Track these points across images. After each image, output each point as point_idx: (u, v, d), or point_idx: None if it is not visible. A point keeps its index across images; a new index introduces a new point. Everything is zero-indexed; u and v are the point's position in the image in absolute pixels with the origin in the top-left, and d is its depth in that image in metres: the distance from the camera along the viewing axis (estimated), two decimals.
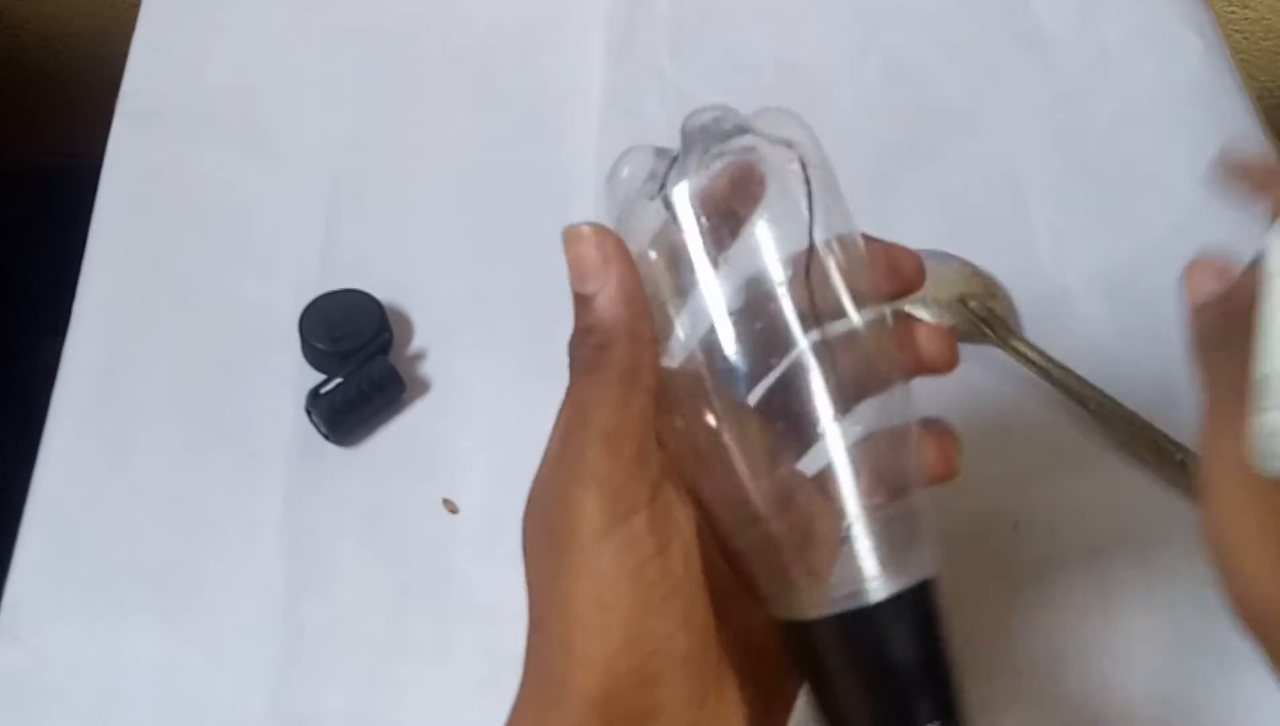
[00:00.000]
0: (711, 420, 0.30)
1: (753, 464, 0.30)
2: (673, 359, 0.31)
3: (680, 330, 0.31)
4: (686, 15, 0.71)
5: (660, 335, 0.30)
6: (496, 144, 0.64)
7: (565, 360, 0.58)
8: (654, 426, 0.29)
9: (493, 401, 0.55)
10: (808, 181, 0.31)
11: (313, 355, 0.55)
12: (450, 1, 0.70)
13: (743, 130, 0.31)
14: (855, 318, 0.30)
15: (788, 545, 0.29)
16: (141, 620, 0.49)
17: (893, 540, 0.29)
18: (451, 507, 0.52)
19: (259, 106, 0.65)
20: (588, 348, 0.30)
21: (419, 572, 0.51)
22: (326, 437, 0.53)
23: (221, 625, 0.49)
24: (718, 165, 0.31)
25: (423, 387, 0.55)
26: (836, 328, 0.30)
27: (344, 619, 0.49)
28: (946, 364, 0.32)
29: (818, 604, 0.29)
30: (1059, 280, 0.60)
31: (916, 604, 0.29)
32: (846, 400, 0.30)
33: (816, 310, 0.30)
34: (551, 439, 0.31)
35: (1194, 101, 0.68)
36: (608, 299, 0.30)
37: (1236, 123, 0.66)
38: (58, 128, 1.11)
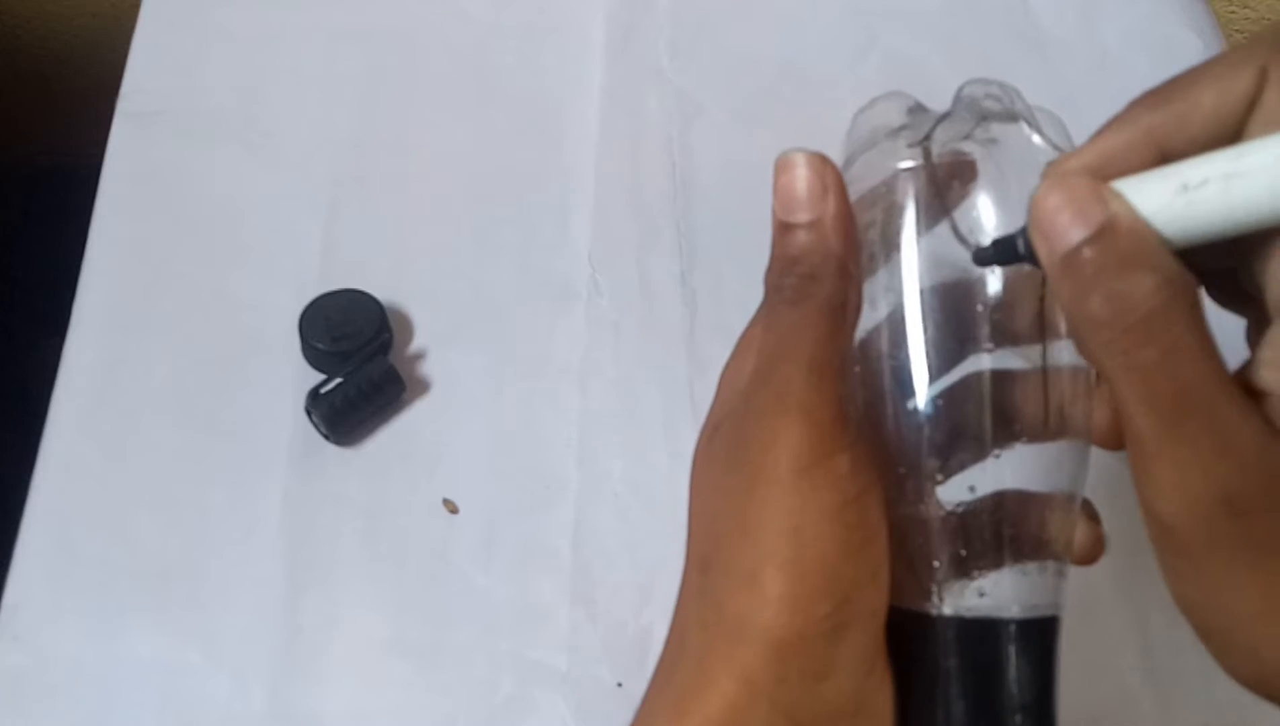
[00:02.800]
0: (874, 406, 0.28)
1: (915, 458, 0.28)
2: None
3: (869, 300, 0.29)
4: (686, 15, 0.71)
5: None
6: (496, 144, 0.64)
7: (563, 360, 0.58)
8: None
9: (493, 401, 0.55)
10: None
11: (313, 355, 0.55)
12: (450, 1, 0.70)
13: (1013, 117, 0.30)
14: (1071, 353, 0.29)
15: (936, 535, 0.28)
16: (141, 620, 0.49)
17: (1042, 571, 0.28)
18: (451, 507, 0.52)
19: (259, 106, 0.65)
20: (794, 276, 0.28)
21: (419, 572, 0.51)
22: (326, 438, 0.53)
23: (221, 625, 0.49)
24: (956, 144, 0.29)
25: (423, 388, 0.55)
26: (1057, 355, 0.29)
27: (344, 619, 0.49)
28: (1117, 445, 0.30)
29: (951, 602, 0.28)
30: None
31: (1043, 635, 0.28)
32: (1032, 432, 0.28)
33: (1045, 324, 0.28)
34: (737, 363, 0.29)
35: None
36: (823, 228, 0.28)
37: None
38: (58, 128, 1.11)
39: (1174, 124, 0.26)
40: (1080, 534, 0.30)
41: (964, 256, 0.29)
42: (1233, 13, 1.10)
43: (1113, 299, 0.24)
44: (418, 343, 0.57)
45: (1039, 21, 0.72)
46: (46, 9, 1.11)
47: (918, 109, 0.31)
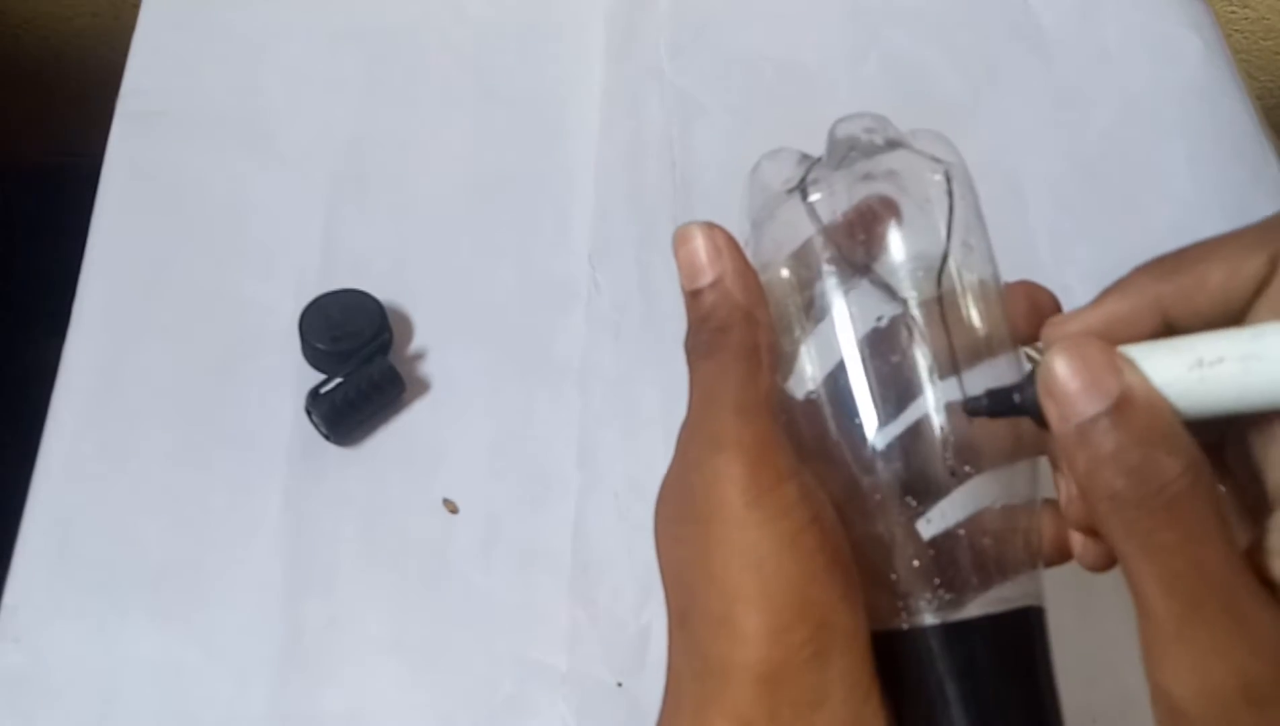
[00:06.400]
0: (831, 458, 0.29)
1: (867, 501, 0.29)
2: (798, 388, 0.30)
3: (806, 357, 0.30)
4: (686, 15, 0.71)
5: (785, 360, 0.30)
6: (496, 144, 0.64)
7: (563, 360, 0.58)
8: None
9: (493, 401, 0.55)
10: (950, 196, 0.30)
11: (313, 355, 0.55)
12: (450, 1, 0.70)
13: (894, 145, 0.31)
14: (1003, 370, 0.29)
15: (897, 550, 0.29)
16: (141, 620, 0.49)
17: (1001, 565, 0.29)
18: (451, 507, 0.52)
19: (259, 106, 0.65)
20: (705, 332, 0.29)
21: (419, 572, 0.51)
22: (326, 437, 0.53)
23: (221, 625, 0.49)
24: (860, 186, 0.30)
25: (423, 387, 0.55)
26: (973, 375, 0.29)
27: (344, 619, 0.49)
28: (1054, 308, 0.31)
29: (926, 613, 0.28)
30: (1059, 280, 0.60)
31: (1022, 626, 0.28)
32: (974, 455, 0.29)
33: (948, 329, 0.29)
34: (682, 428, 0.30)
35: (1194, 101, 0.68)
36: (723, 285, 0.29)
37: (1236, 123, 0.66)
38: (58, 128, 1.11)
39: (1181, 296, 0.27)
40: (1048, 530, 0.30)
41: (881, 289, 0.30)
42: (1233, 13, 1.10)
43: (1135, 478, 0.24)
44: (418, 343, 0.57)
45: (1039, 21, 0.72)
46: (46, 9, 1.11)
47: (805, 159, 0.32)
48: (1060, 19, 0.72)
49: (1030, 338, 0.31)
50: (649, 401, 0.56)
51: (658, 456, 0.55)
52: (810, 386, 0.30)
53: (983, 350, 0.30)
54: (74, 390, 0.54)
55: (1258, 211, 0.63)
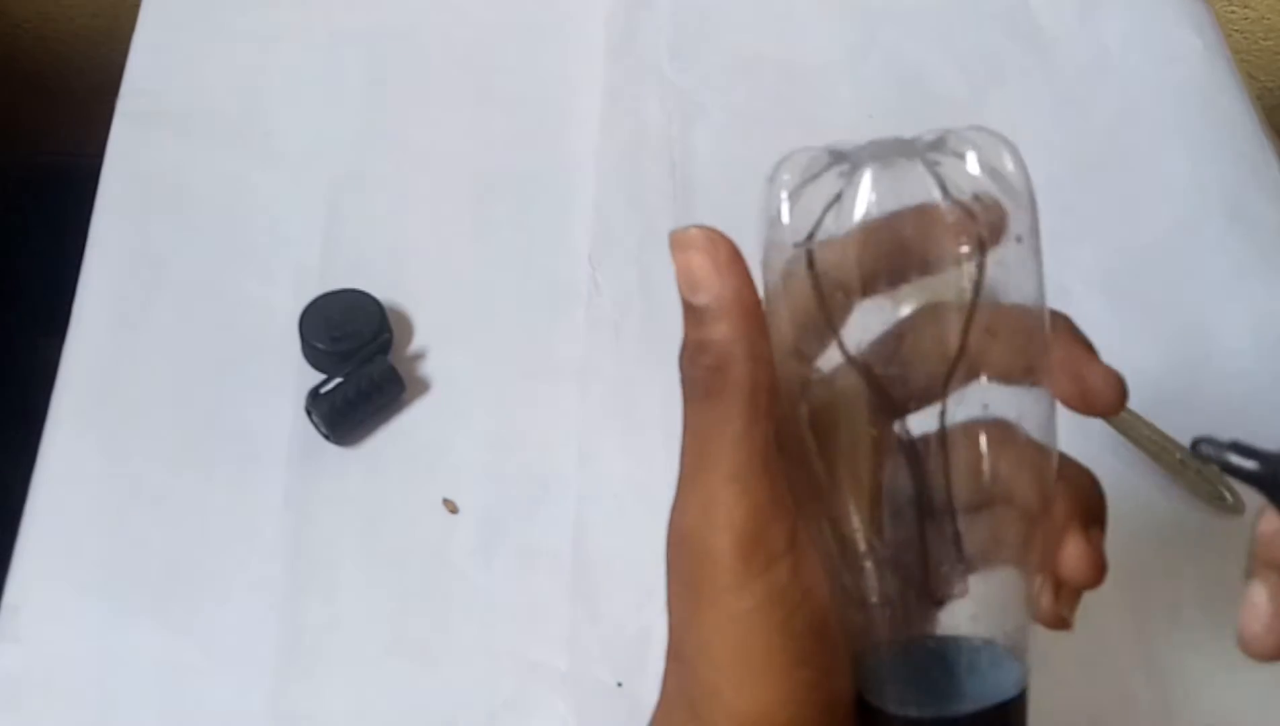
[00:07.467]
0: (833, 498, 0.28)
1: (858, 594, 0.28)
2: (810, 400, 0.29)
3: (819, 372, 0.28)
4: (686, 15, 0.71)
5: (795, 374, 0.28)
6: (496, 144, 0.64)
7: (563, 360, 0.58)
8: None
9: (493, 401, 0.55)
10: (979, 275, 0.28)
11: (313, 355, 0.55)
12: (450, 1, 0.70)
13: (937, 148, 0.28)
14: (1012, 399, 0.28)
15: (883, 650, 0.28)
16: (141, 620, 0.48)
17: (992, 650, 0.28)
18: (451, 507, 0.52)
19: (259, 106, 0.65)
20: (701, 368, 0.28)
21: (419, 572, 0.51)
22: (326, 437, 0.53)
23: (221, 625, 0.49)
24: (891, 199, 0.27)
25: (423, 387, 0.55)
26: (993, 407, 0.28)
27: (344, 619, 0.49)
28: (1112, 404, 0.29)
29: (905, 704, 0.27)
30: (1059, 280, 0.60)
31: (999, 720, 0.28)
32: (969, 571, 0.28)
33: (950, 466, 0.27)
34: (680, 469, 0.29)
35: (1194, 101, 0.68)
36: (722, 312, 0.27)
37: (1236, 123, 0.66)
38: (58, 128, 1.11)
39: None
40: (1077, 555, 0.29)
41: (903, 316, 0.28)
42: (1233, 12, 1.10)
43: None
44: (418, 343, 0.57)
45: (1039, 21, 0.72)
46: (46, 9, 1.11)
47: (836, 156, 0.29)
48: (1060, 19, 0.72)
49: (1079, 411, 0.29)
50: (649, 401, 0.56)
51: (658, 456, 0.55)
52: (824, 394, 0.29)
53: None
54: (74, 390, 0.54)
55: (1258, 211, 0.63)
